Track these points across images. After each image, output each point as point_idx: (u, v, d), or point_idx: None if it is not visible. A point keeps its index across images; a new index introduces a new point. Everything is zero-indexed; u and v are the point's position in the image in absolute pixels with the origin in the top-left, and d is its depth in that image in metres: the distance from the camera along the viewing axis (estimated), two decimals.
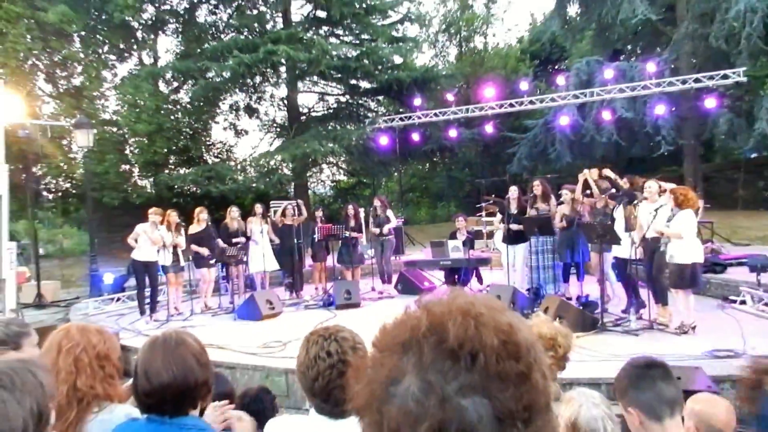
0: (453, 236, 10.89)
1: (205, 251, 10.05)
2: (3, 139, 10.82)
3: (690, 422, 2.25)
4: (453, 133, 19.09)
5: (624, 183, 8.33)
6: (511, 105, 17.24)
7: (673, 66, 18.01)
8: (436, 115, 18.24)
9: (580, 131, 19.20)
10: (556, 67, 25.81)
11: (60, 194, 21.51)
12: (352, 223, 11.16)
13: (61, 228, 24.69)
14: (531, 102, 17.33)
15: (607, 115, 17.51)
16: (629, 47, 22.94)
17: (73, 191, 21.13)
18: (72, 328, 2.10)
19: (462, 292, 0.73)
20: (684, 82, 15.20)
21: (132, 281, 10.85)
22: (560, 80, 17.92)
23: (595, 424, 2.14)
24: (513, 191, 9.63)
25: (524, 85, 17.40)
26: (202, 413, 1.88)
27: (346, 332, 1.82)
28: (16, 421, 0.82)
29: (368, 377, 0.68)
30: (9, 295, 10.57)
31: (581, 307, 7.96)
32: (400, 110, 20.75)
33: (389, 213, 11.35)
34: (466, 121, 19.89)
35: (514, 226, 9.27)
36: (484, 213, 15.38)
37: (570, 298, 8.63)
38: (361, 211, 11.85)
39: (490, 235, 13.83)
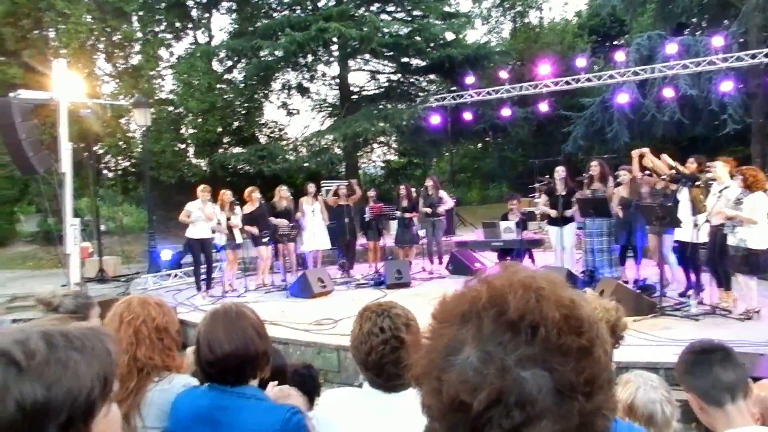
0: (505, 217, 10.73)
1: (255, 230, 10.17)
2: (66, 118, 11.22)
3: (755, 409, 2.16)
4: (506, 111, 18.68)
5: (690, 164, 7.95)
6: (567, 83, 16.74)
7: (741, 40, 17.08)
8: (488, 93, 17.89)
9: (639, 110, 18.46)
10: (615, 42, 24.84)
11: (120, 172, 22.20)
12: (405, 203, 11.13)
13: (121, 205, 25.54)
14: (588, 79, 16.78)
15: (669, 93, 16.77)
16: (694, 20, 21.82)
17: (132, 169, 21.77)
18: (133, 300, 2.14)
19: (522, 267, 0.73)
20: (753, 56, 14.42)
21: (188, 258, 11.14)
22: (619, 56, 17.24)
23: (653, 407, 2.08)
24: (559, 171, 9.32)
25: (581, 62, 16.85)
26: (260, 384, 1.90)
27: (399, 309, 1.84)
28: (85, 381, 0.86)
29: (427, 347, 0.70)
30: (74, 269, 11.03)
31: (638, 291, 7.74)
32: (452, 89, 20.42)
33: (442, 193, 11.27)
34: (519, 99, 19.42)
35: (568, 212, 9.03)
36: (537, 194, 15.11)
37: (627, 282, 8.39)
38: (413, 191, 11.79)
39: (544, 216, 13.59)
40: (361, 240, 11.98)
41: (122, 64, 20.81)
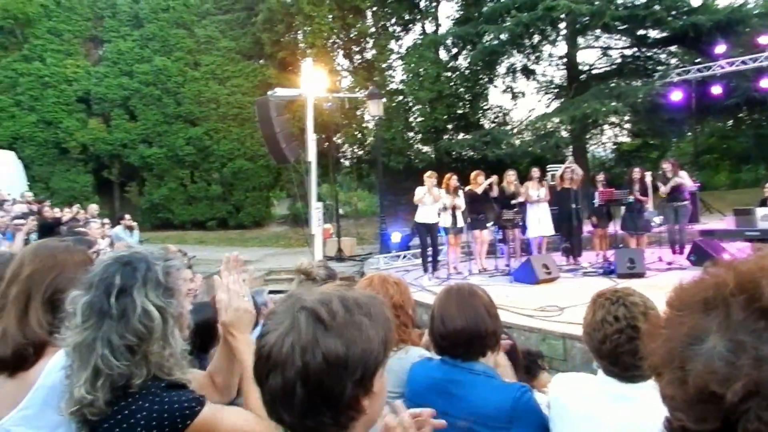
0: (764, 203, 9.41)
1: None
2: (312, 111, 12.47)
3: None
4: (766, 83, 16.24)
5: None
6: None
7: None
8: (744, 62, 15.72)
9: None
10: None
11: (355, 160, 24.08)
12: (638, 187, 10.36)
13: (355, 191, 27.74)
14: None
15: None
16: None
17: (365, 157, 23.45)
18: (375, 278, 2.34)
19: None
20: None
21: (416, 240, 11.68)
22: None
23: None
24: None
25: None
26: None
27: (637, 297, 1.73)
28: (374, 344, 0.98)
29: (665, 336, 0.67)
30: (317, 248, 12.28)
31: None
32: (697, 60, 18.34)
33: (683, 174, 10.27)
34: None
35: None
36: None
37: None
38: (648, 174, 10.90)
39: None
40: (588, 226, 11.44)
41: (358, 59, 22.46)
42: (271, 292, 5.32)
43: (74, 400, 1.31)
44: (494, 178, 10.54)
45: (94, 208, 12.62)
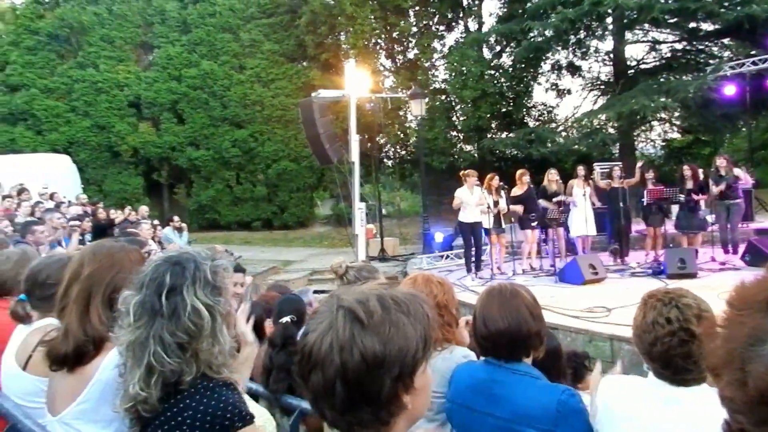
0: None
1: (519, 208, 10.14)
2: (355, 112, 12.55)
3: None
4: None
5: None
6: None
7: None
8: None
9: None
10: None
11: (397, 160, 24.09)
12: (690, 185, 10.05)
13: (398, 191, 27.72)
14: None
15: None
16: None
17: (408, 157, 23.44)
18: (419, 277, 2.35)
19: None
20: None
21: (459, 240, 11.62)
22: None
23: None
24: None
25: None
26: (534, 363, 1.94)
27: (690, 298, 1.68)
28: (412, 342, 0.98)
29: (724, 336, 0.66)
30: (360, 248, 12.37)
31: None
32: (752, 53, 17.67)
33: (738, 171, 9.92)
34: None
35: None
36: None
37: None
38: (700, 171, 10.58)
39: None
40: (637, 225, 11.16)
41: (400, 59, 22.48)
42: (315, 291, 5.40)
43: (129, 397, 1.35)
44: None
45: (144, 209, 12.99)
